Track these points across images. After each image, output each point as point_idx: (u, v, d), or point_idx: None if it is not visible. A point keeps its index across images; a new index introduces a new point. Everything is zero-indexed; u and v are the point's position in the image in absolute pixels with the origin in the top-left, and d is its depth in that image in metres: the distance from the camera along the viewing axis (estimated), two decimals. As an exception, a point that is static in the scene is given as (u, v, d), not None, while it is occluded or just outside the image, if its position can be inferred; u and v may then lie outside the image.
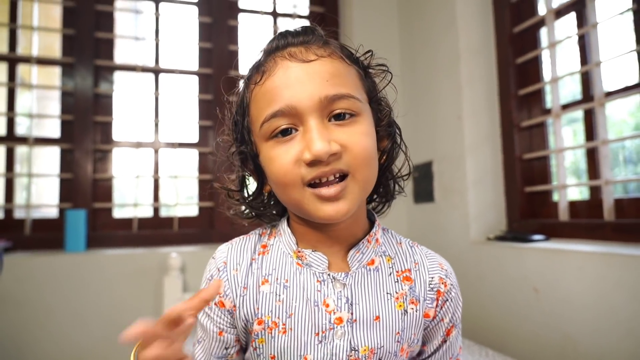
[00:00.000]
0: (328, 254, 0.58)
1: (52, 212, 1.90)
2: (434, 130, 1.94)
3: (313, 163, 0.51)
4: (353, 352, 0.55)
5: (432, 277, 0.62)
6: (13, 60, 1.86)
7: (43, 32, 1.96)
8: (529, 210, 1.70)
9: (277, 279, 0.58)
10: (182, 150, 2.06)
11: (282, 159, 0.53)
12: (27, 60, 1.87)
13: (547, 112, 1.64)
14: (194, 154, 2.09)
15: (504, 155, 1.76)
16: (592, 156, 1.46)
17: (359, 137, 0.53)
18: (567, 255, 1.29)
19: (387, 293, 0.59)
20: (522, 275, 1.45)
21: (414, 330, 0.59)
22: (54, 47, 1.97)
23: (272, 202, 0.65)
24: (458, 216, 1.78)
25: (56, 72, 1.96)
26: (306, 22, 2.33)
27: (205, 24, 2.13)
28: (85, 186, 1.89)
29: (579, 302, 1.25)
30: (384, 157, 0.62)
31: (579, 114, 1.53)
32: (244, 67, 2.17)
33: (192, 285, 1.84)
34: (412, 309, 0.59)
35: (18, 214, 1.85)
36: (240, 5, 2.21)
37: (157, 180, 2.01)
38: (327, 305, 0.56)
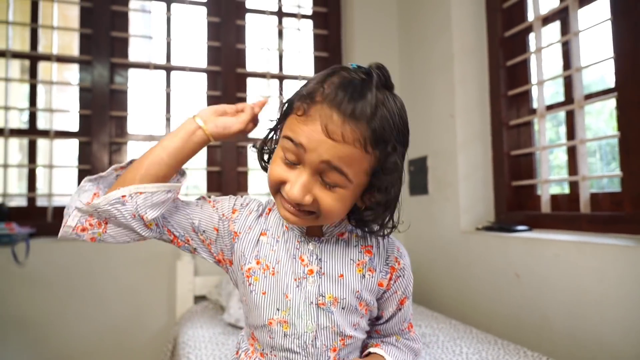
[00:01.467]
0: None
1: (72, 201, 2.03)
2: (429, 126, 2.06)
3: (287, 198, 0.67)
4: (321, 297, 0.73)
5: (389, 256, 0.78)
6: (34, 58, 1.98)
7: (62, 31, 2.08)
8: (516, 202, 1.83)
9: (272, 234, 0.77)
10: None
11: (278, 171, 0.68)
12: (48, 58, 1.99)
13: (534, 112, 1.76)
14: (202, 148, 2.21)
15: (494, 151, 1.89)
16: (572, 153, 1.59)
17: (332, 201, 0.66)
18: (545, 243, 1.43)
19: (351, 259, 0.76)
20: (506, 262, 1.59)
21: (369, 293, 0.76)
22: (72, 45, 2.09)
23: None
24: (450, 208, 1.91)
25: (74, 69, 2.08)
26: (310, 22, 2.44)
27: (213, 23, 2.24)
28: (102, 177, 2.02)
29: (555, 286, 1.39)
30: (363, 206, 0.72)
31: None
32: (253, 64, 2.29)
33: (202, 269, 1.98)
34: (369, 275, 0.76)
35: (40, 202, 1.98)
36: (248, 5, 2.32)
37: (169, 171, 2.14)
38: (302, 260, 0.74)
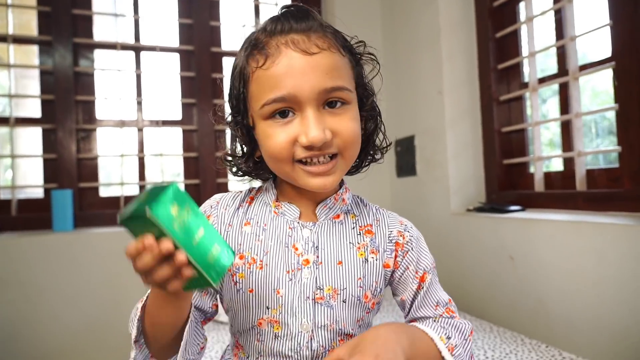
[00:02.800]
0: (301, 207, 0.68)
1: (38, 193, 1.90)
2: (416, 105, 1.97)
3: (309, 147, 0.58)
4: (319, 290, 0.63)
5: (391, 231, 0.70)
6: (-11, 40, 1.83)
7: (18, 9, 1.92)
8: (507, 182, 1.76)
9: (257, 222, 0.67)
10: (166, 128, 2.06)
11: (279, 137, 0.59)
12: (4, 39, 1.83)
13: (525, 85, 1.68)
14: (177, 132, 2.10)
15: (484, 128, 1.80)
16: (566, 129, 1.51)
17: (348, 123, 0.60)
18: (540, 224, 1.36)
19: (350, 243, 0.67)
20: (499, 244, 1.52)
21: (375, 277, 0.67)
22: (30, 25, 1.93)
23: (262, 166, 0.71)
24: (439, 189, 1.83)
25: (34, 50, 1.93)
26: (288, -3, 2.31)
27: (185, -1, 2.10)
28: (70, 166, 1.89)
29: (550, 269, 1.32)
30: (368, 135, 0.71)
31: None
32: (228, 42, 2.16)
33: (181, 261, 1.87)
34: (372, 257, 0.67)
35: (3, 195, 1.85)
36: (221, -21, 2.18)
37: (142, 158, 2.02)
38: (296, 249, 0.65)
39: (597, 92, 1.76)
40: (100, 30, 2.01)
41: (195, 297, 0.67)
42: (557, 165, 1.66)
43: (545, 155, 1.61)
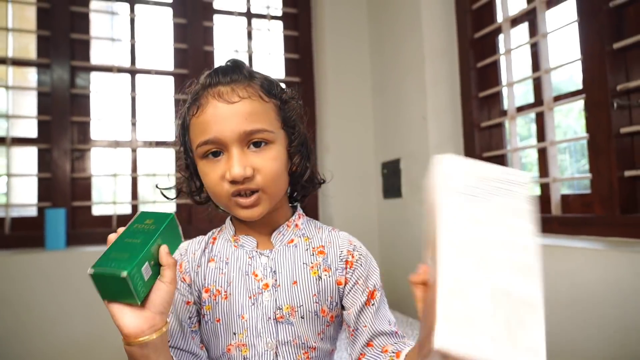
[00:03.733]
0: (257, 237, 0.75)
1: (32, 211, 1.94)
2: (402, 129, 2.04)
3: (233, 182, 0.66)
4: (278, 310, 0.70)
5: (342, 251, 0.76)
6: (-12, 62, 1.88)
7: (18, 33, 1.98)
8: (488, 204, 1.82)
9: (220, 258, 0.74)
10: (159, 149, 2.11)
11: (212, 175, 0.69)
12: (3, 61, 1.89)
13: (505, 113, 1.76)
14: (170, 153, 2.15)
15: (466, 153, 1.87)
16: (543, 155, 1.59)
17: (269, 162, 0.68)
18: (517, 247, 1.42)
19: (304, 263, 0.74)
20: (479, 266, 1.57)
21: (330, 293, 0.73)
22: (29, 48, 1.99)
23: (203, 203, 0.81)
24: (423, 211, 1.89)
25: (32, 72, 1.99)
26: (280, 24, 2.40)
27: (180, 24, 2.18)
28: (63, 185, 1.93)
29: (527, 290, 1.38)
30: (296, 168, 0.76)
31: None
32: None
33: (171, 279, 1.90)
34: (326, 275, 0.74)
35: (-3, 213, 1.88)
36: (215, 6, 2.26)
37: (135, 178, 2.07)
38: (256, 275, 0.72)
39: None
40: (98, 54, 2.08)
41: (177, 341, 0.71)
42: (537, 190, 1.73)
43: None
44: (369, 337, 0.73)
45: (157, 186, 0.82)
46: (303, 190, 0.81)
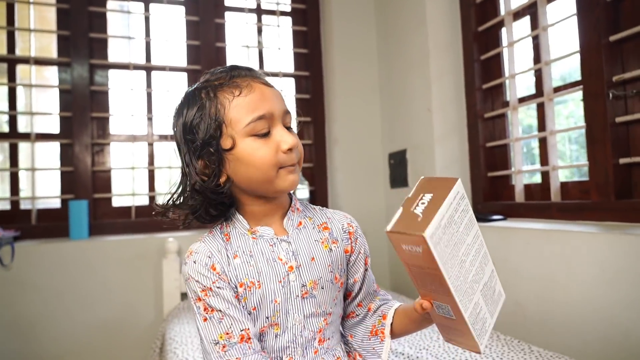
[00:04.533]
0: (271, 226, 0.81)
1: (56, 203, 2.05)
2: (408, 121, 2.11)
3: (290, 150, 0.74)
4: (303, 287, 0.77)
5: (343, 224, 0.86)
6: (12, 61, 1.98)
7: (39, 33, 2.07)
8: (492, 193, 1.89)
9: (243, 252, 0.77)
10: (174, 142, 2.20)
11: (265, 148, 0.74)
12: (26, 61, 1.99)
13: (508, 104, 1.82)
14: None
15: (470, 143, 1.94)
16: (544, 144, 1.65)
17: (297, 139, 0.78)
18: (517, 232, 1.49)
19: (315, 240, 0.81)
20: (481, 251, 1.64)
21: (340, 261, 0.83)
22: (50, 47, 2.09)
23: (222, 193, 0.78)
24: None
25: (54, 71, 2.08)
26: (289, 19, 2.47)
27: (192, 22, 2.26)
28: (85, 178, 2.04)
29: (526, 273, 1.45)
30: None
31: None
32: (233, 62, 2.31)
33: (188, 267, 2.00)
34: (335, 247, 0.82)
35: (24, 205, 1.99)
36: (226, 3, 2.33)
37: (152, 171, 2.16)
38: (281, 259, 0.77)
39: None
40: (115, 52, 2.17)
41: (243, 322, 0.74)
42: (539, 178, 1.79)
43: (524, 168, 1.74)
44: (361, 298, 0.87)
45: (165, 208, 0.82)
46: None
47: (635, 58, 1.35)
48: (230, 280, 0.75)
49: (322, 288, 0.78)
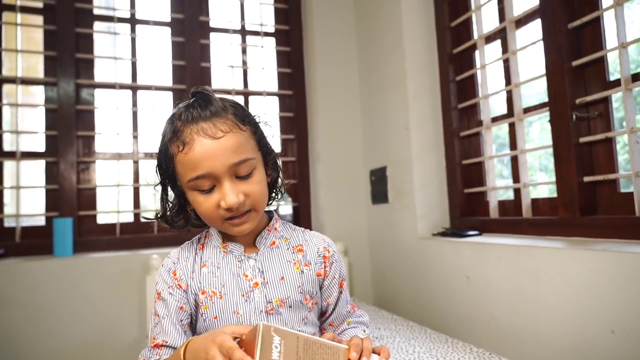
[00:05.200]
0: (243, 242, 0.86)
1: (40, 221, 2.06)
2: (387, 138, 2.17)
3: (228, 210, 0.77)
4: (269, 304, 0.81)
5: (319, 247, 0.90)
6: (-1, 81, 2.01)
7: (26, 54, 2.11)
8: (468, 209, 1.95)
9: (212, 263, 0.84)
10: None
11: (206, 204, 0.78)
12: (13, 80, 2.02)
13: (481, 123, 1.89)
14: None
15: (447, 160, 2.01)
16: (515, 162, 1.72)
17: (256, 186, 0.79)
18: (491, 247, 1.55)
19: (287, 261, 0.86)
20: (457, 265, 1.70)
21: (311, 284, 0.86)
22: (37, 67, 2.12)
23: (195, 215, 0.87)
24: (407, 215, 2.02)
25: (40, 90, 2.12)
26: (272, 40, 2.54)
27: (178, 43, 2.31)
28: (70, 195, 2.06)
29: (499, 286, 1.51)
30: (270, 180, 0.88)
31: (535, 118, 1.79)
32: (218, 81, 2.37)
33: (172, 283, 2.03)
34: (307, 269, 0.86)
35: (7, 223, 2.00)
36: (211, 24, 2.39)
37: (137, 188, 2.19)
38: (246, 276, 0.83)
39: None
40: (101, 71, 2.21)
41: (175, 340, 0.80)
42: (511, 195, 1.86)
43: (497, 185, 1.81)
44: (332, 319, 0.92)
45: (143, 217, 0.93)
46: (275, 195, 0.93)
47: (597, 82, 1.43)
48: (190, 286, 0.82)
49: (290, 307, 0.82)
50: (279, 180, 0.91)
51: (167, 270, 0.85)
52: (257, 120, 0.85)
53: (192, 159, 0.75)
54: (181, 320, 0.82)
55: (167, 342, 0.80)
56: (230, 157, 0.75)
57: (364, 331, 0.92)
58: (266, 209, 0.92)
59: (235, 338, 0.66)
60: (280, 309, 0.82)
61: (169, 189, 0.85)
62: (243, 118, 0.80)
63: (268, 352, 0.60)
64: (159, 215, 0.88)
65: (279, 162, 0.91)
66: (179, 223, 0.87)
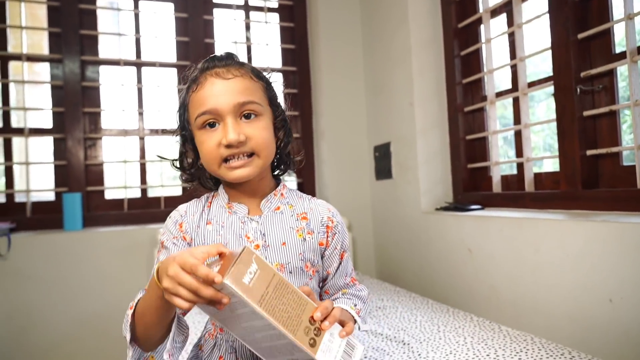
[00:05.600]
0: (248, 204, 0.88)
1: (50, 196, 2.10)
2: (391, 114, 2.18)
3: (228, 146, 0.78)
4: None
5: (323, 217, 0.90)
6: (5, 58, 2.02)
7: (31, 30, 2.11)
8: (471, 184, 1.97)
9: (217, 222, 0.86)
10: (165, 136, 2.26)
11: (209, 142, 0.80)
12: (18, 57, 2.03)
13: (486, 98, 1.89)
14: (175, 140, 2.29)
15: (450, 136, 2.01)
16: (519, 138, 1.73)
17: (259, 130, 0.81)
18: (492, 221, 1.57)
19: (290, 227, 0.87)
20: (459, 239, 1.73)
21: (313, 252, 0.87)
22: (41, 44, 2.13)
23: (204, 172, 0.91)
24: (411, 190, 2.04)
25: (45, 67, 2.13)
26: (276, 16, 2.52)
27: (181, 19, 2.30)
28: (78, 171, 2.09)
29: (500, 259, 1.53)
30: (281, 143, 0.90)
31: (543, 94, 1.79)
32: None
33: (179, 257, 2.07)
34: (309, 237, 0.87)
35: (18, 198, 2.04)
36: (215, 0, 2.38)
37: (144, 164, 2.22)
38: (248, 237, 0.84)
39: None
40: (105, 48, 2.21)
41: None
42: (515, 171, 1.87)
43: (501, 160, 1.82)
44: (328, 286, 0.94)
45: (158, 156, 0.95)
46: (284, 165, 0.94)
47: (602, 55, 1.42)
48: (194, 240, 0.85)
49: (290, 273, 0.84)
50: (289, 148, 0.92)
51: (173, 222, 0.87)
52: (273, 80, 0.88)
53: (200, 96, 0.78)
54: None
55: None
56: (237, 96, 0.78)
57: (355, 305, 0.90)
58: (277, 177, 0.95)
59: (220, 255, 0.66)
60: (280, 273, 0.84)
61: (185, 139, 0.88)
62: (258, 74, 0.84)
63: (240, 275, 0.60)
64: (174, 162, 0.91)
65: (291, 131, 0.92)
66: (192, 172, 0.90)
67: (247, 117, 0.80)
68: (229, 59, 0.83)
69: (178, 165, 0.91)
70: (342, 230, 0.93)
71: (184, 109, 0.85)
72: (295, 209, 0.90)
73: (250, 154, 0.81)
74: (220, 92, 0.78)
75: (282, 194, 0.91)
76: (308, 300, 0.68)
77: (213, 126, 0.79)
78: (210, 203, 0.90)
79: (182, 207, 0.90)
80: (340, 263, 0.93)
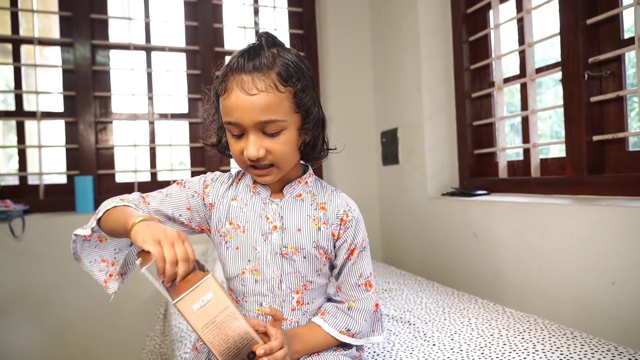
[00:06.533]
0: (272, 187, 0.92)
1: (62, 179, 2.14)
2: (399, 100, 2.19)
3: (249, 159, 0.82)
4: (284, 247, 0.88)
5: (339, 210, 0.93)
6: (17, 42, 2.04)
7: (42, 14, 2.13)
8: (478, 169, 1.98)
9: (241, 199, 0.91)
10: (174, 121, 2.29)
11: (235, 147, 0.84)
12: (30, 41, 2.05)
13: (493, 84, 1.89)
14: (184, 124, 2.33)
15: (458, 122, 2.02)
16: (526, 124, 1.74)
17: (279, 145, 0.82)
18: (497, 206, 1.59)
19: (307, 215, 0.90)
20: (465, 224, 1.75)
21: (326, 241, 0.91)
22: (52, 28, 2.15)
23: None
24: (418, 176, 2.06)
25: (57, 51, 2.15)
26: (285, 1, 2.52)
27: (190, 3, 2.31)
28: (89, 155, 2.13)
29: (505, 243, 1.56)
30: (308, 141, 0.90)
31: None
32: (230, 42, 2.38)
33: (189, 238, 2.11)
34: (324, 227, 0.91)
35: (31, 181, 2.08)
36: (223, -16, 2.38)
37: (153, 148, 2.25)
38: (267, 218, 0.89)
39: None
40: (115, 33, 2.23)
41: (169, 210, 0.91)
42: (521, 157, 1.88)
43: (507, 146, 1.83)
44: (340, 282, 0.95)
45: (202, 141, 1.01)
46: (313, 158, 0.96)
47: (610, 40, 1.42)
48: (217, 210, 0.91)
49: (304, 258, 0.88)
50: (321, 140, 0.92)
51: (202, 181, 0.94)
52: (305, 84, 0.84)
53: (227, 105, 0.81)
54: (174, 213, 0.90)
55: (145, 200, 0.90)
56: (259, 114, 0.78)
57: (348, 330, 0.91)
58: (302, 163, 0.97)
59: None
60: (294, 256, 0.87)
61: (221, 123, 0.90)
62: (287, 78, 0.80)
63: (192, 301, 0.65)
64: (213, 143, 0.96)
65: (324, 127, 0.92)
66: (228, 153, 0.93)
67: (270, 133, 0.81)
68: (254, 61, 0.79)
69: (219, 148, 0.96)
70: (356, 226, 0.93)
71: (218, 97, 0.86)
72: (316, 199, 0.93)
73: (270, 165, 0.84)
74: (244, 107, 0.78)
75: (306, 182, 0.94)
76: (253, 335, 0.71)
77: (240, 137, 0.83)
78: (239, 180, 0.95)
79: (215, 174, 0.96)
80: (348, 258, 0.93)
